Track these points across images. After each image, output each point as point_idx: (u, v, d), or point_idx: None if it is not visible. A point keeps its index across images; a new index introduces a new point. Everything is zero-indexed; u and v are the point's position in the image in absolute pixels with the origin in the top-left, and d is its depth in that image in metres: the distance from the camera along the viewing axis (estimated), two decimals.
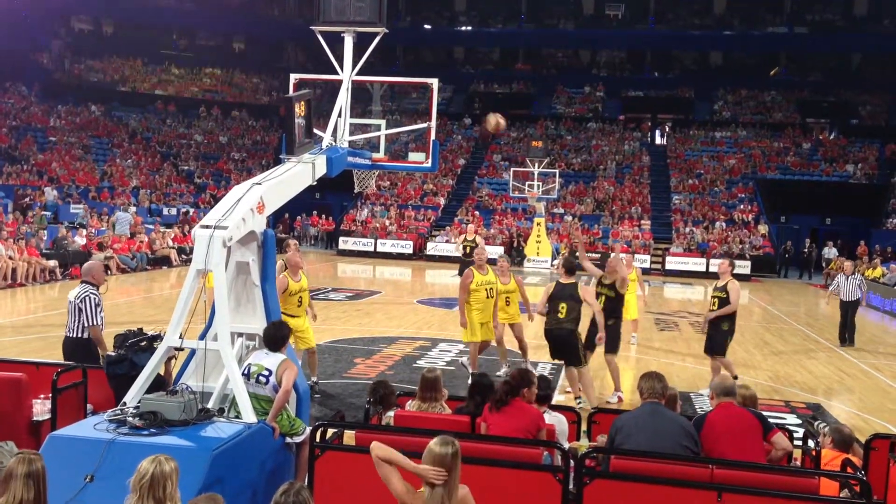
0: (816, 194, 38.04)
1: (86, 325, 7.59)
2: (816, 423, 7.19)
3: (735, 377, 10.36)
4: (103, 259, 22.95)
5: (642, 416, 5.54)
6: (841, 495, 5.17)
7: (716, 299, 10.89)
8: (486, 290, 10.79)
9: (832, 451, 6.14)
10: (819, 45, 47.20)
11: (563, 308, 9.78)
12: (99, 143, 39.33)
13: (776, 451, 5.62)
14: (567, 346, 9.92)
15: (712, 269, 31.14)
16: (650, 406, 5.55)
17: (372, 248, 34.57)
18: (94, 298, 7.65)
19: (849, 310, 16.50)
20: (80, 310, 7.57)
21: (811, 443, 6.40)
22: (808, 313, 21.85)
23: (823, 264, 32.71)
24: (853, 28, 46.24)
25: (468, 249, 21.67)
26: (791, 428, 7.10)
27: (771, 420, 5.96)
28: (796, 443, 6.55)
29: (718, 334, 10.81)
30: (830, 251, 33.00)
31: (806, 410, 10.57)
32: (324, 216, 39.00)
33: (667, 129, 47.24)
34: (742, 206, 37.50)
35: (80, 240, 23.17)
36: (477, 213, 37.73)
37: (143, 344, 6.56)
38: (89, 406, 6.78)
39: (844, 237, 34.73)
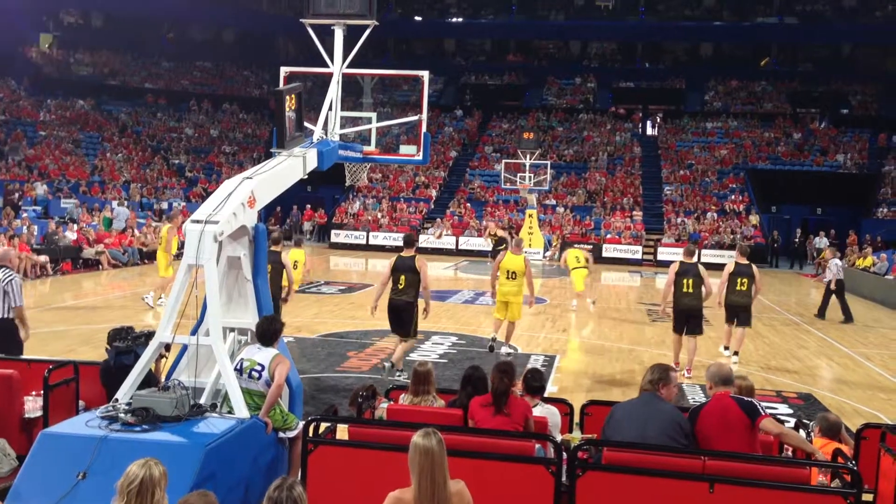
0: (807, 184, 38.16)
1: (12, 305, 8.03)
2: (811, 424, 7.19)
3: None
4: (94, 254, 22.93)
5: (635, 406, 5.55)
6: (832, 485, 5.20)
7: None
8: (507, 272, 12.24)
9: (820, 438, 6.18)
10: (809, 36, 47.34)
11: (402, 280, 10.35)
12: (89, 137, 39.12)
13: (770, 435, 5.59)
14: (404, 316, 10.42)
15: (704, 259, 31.27)
16: (645, 396, 5.56)
17: (364, 241, 34.57)
18: (19, 280, 8.23)
19: (828, 289, 18.98)
20: (5, 292, 7.98)
21: (802, 433, 6.42)
22: (799, 303, 21.93)
23: (815, 254, 32.83)
24: (843, 18, 46.41)
25: (494, 242, 23.63)
26: (782, 418, 7.13)
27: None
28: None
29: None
30: (822, 241, 33.13)
31: (797, 400, 10.63)
32: (317, 209, 38.86)
33: (658, 120, 47.30)
34: (733, 197, 37.58)
35: (70, 234, 23.08)
36: (469, 205, 37.73)
37: (142, 340, 6.62)
38: (81, 402, 6.76)
39: (835, 227, 34.86)
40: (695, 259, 12.26)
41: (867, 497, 5.50)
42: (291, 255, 14.65)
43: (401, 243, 11.25)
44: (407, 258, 10.52)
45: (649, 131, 47.25)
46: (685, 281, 11.69)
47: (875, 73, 47.14)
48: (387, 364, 10.70)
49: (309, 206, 38.60)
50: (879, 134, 41.58)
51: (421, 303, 10.60)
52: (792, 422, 7.20)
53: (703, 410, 5.59)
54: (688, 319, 11.77)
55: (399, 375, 10.40)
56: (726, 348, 13.40)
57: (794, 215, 37.78)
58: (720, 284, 12.82)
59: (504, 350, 12.56)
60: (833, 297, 18.88)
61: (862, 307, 22.02)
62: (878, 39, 46.64)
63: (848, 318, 18.56)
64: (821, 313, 19.05)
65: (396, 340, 10.82)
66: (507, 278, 12.30)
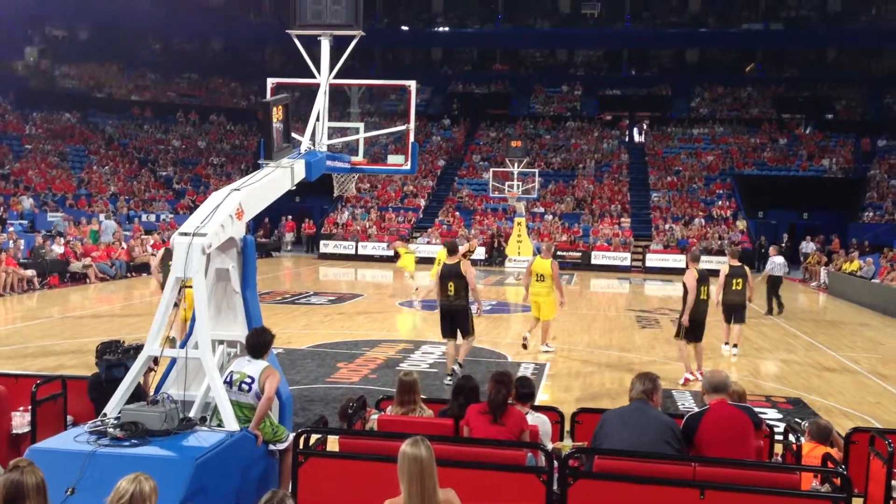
0: (793, 189, 38.37)
1: None
2: (803, 423, 7.24)
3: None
4: (82, 268, 22.81)
5: (627, 412, 5.55)
6: (822, 489, 5.22)
7: None
8: (536, 275, 13.37)
9: (809, 442, 6.24)
10: (794, 42, 47.66)
11: (451, 286, 11.02)
12: (75, 150, 38.95)
13: None
14: (460, 319, 11.10)
15: None
16: (637, 404, 5.57)
17: (353, 251, 34.53)
18: None
19: (775, 284, 20.19)
20: None
21: (792, 437, 6.45)
22: (788, 308, 22.01)
23: (801, 259, 32.99)
24: (828, 24, 46.72)
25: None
26: (771, 423, 7.16)
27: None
28: (777, 437, 6.60)
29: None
30: (808, 245, 33.30)
31: (787, 405, 10.66)
32: (305, 219, 38.74)
33: (645, 127, 47.48)
34: (720, 203, 37.75)
35: (57, 248, 22.95)
36: (457, 213, 37.75)
37: (131, 353, 6.59)
38: (69, 417, 6.73)
39: (822, 231, 35.03)
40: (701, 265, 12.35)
41: (857, 501, 5.53)
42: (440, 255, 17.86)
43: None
44: (452, 265, 11.17)
45: (636, 138, 47.41)
46: (703, 288, 11.69)
47: (859, 77, 47.51)
48: (455, 370, 11.07)
49: (290, 216, 38.29)
50: (864, 138, 41.89)
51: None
52: (782, 426, 7.22)
53: (704, 419, 5.55)
54: (700, 326, 11.79)
55: (455, 374, 10.92)
56: (726, 344, 14.37)
57: (780, 220, 37.95)
58: (718, 286, 13.48)
59: (542, 348, 13.76)
60: (776, 290, 20.33)
61: (849, 311, 22.16)
62: (862, 44, 47.04)
63: (769, 310, 20.11)
64: (779, 309, 20.24)
65: (452, 344, 11.28)
66: (537, 280, 13.39)
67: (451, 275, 11.04)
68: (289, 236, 38.29)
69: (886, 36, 45.24)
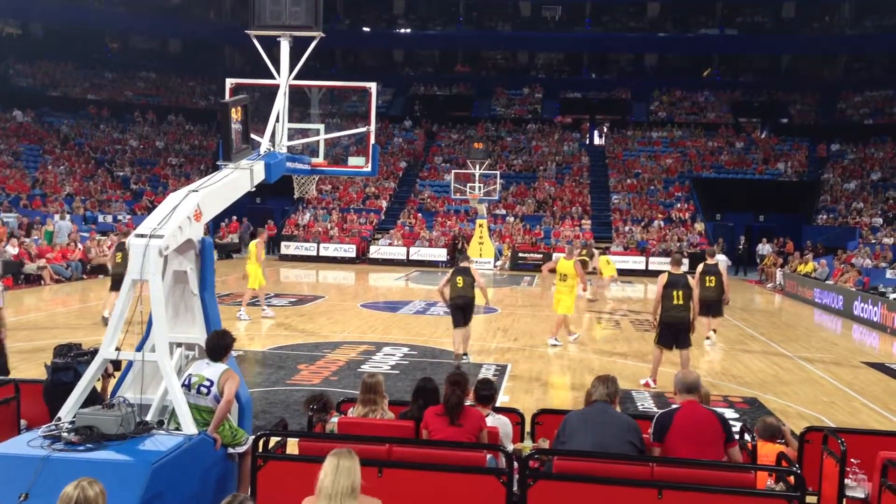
0: (750, 192, 39.02)
1: None
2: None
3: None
4: (36, 269, 22.37)
5: (590, 413, 5.63)
6: (777, 488, 5.31)
7: None
8: (560, 274, 14.68)
9: (760, 440, 6.37)
10: (749, 47, 48.45)
11: (460, 280, 12.63)
12: (29, 149, 38.21)
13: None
14: (468, 309, 12.75)
15: (652, 267, 31.79)
16: (600, 405, 5.65)
17: (315, 253, 34.32)
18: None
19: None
20: None
21: (748, 437, 6.55)
22: (744, 309, 22.37)
23: (758, 260, 33.54)
24: (782, 30, 47.58)
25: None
26: (729, 422, 7.25)
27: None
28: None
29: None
30: (765, 248, 33.88)
31: (743, 405, 10.83)
32: (266, 221, 38.23)
33: (605, 130, 47.92)
34: (679, 205, 38.23)
35: (11, 249, 22.49)
36: (419, 215, 37.75)
37: (85, 357, 6.47)
38: (23, 422, 6.61)
39: (777, 233, 35.65)
40: (683, 269, 11.96)
41: (811, 499, 5.63)
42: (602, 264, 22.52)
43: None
44: (462, 267, 12.89)
45: (596, 141, 47.84)
46: (675, 293, 11.32)
47: (813, 83, 48.49)
48: (463, 359, 12.80)
49: (235, 217, 36.35)
50: (818, 142, 42.75)
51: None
52: (738, 426, 7.33)
53: (676, 417, 5.60)
54: (678, 333, 11.42)
55: (466, 359, 12.84)
56: (707, 338, 15.55)
57: (737, 223, 38.54)
58: (694, 283, 12.75)
59: (570, 338, 15.15)
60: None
61: (804, 312, 22.58)
62: (816, 50, 48.05)
63: None
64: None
65: (460, 332, 12.80)
66: (560, 280, 14.61)
67: (461, 273, 12.71)
68: (232, 237, 37.17)
69: (838, 43, 46.32)
